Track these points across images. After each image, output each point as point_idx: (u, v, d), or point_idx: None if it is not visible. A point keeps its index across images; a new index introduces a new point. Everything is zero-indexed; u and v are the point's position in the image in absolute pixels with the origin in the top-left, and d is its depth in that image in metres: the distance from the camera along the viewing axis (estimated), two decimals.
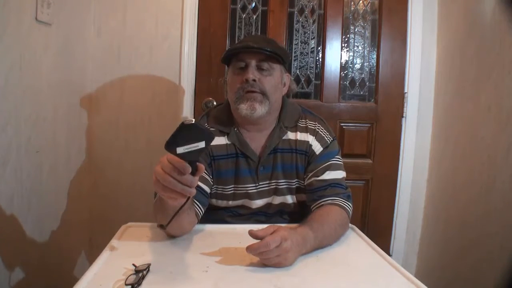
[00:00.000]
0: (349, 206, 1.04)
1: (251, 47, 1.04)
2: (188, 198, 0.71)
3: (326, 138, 1.12)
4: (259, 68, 1.06)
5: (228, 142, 1.10)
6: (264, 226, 1.04)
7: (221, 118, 1.13)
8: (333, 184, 1.05)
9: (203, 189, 1.03)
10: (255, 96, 1.04)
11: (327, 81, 1.85)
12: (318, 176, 1.07)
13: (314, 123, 1.14)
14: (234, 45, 1.15)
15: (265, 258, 0.78)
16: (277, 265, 0.79)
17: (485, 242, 1.37)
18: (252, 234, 0.79)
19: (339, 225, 0.97)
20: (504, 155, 1.32)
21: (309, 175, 1.08)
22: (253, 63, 1.05)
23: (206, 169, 1.06)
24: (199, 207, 1.00)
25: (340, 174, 1.09)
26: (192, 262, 0.81)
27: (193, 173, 0.68)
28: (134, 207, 1.78)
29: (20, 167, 1.24)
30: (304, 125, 1.13)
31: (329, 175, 1.06)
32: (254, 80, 1.04)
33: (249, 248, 0.77)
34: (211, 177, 1.08)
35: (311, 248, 0.86)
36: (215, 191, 1.11)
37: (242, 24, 1.84)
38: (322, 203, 1.03)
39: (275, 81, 1.08)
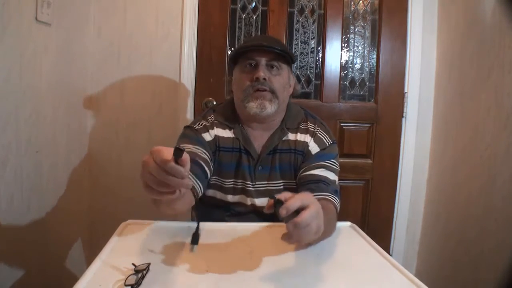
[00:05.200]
0: (337, 202, 1.03)
1: (263, 46, 1.04)
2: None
3: (324, 140, 1.12)
4: (269, 67, 1.06)
5: (234, 136, 1.11)
6: (263, 224, 1.05)
7: (226, 115, 1.14)
8: (324, 182, 1.04)
9: (202, 168, 1.01)
10: (265, 94, 1.04)
11: (327, 81, 1.85)
12: (309, 171, 1.06)
13: (314, 125, 1.14)
14: (243, 43, 1.15)
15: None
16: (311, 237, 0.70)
17: (485, 241, 1.37)
18: (287, 206, 0.67)
19: (333, 218, 0.96)
20: (504, 155, 1.32)
21: (301, 171, 1.08)
22: (263, 61, 1.06)
23: (209, 154, 1.06)
24: (198, 185, 0.98)
25: (333, 177, 1.07)
26: (192, 261, 0.81)
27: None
28: (134, 207, 1.78)
29: (20, 167, 1.24)
30: (305, 127, 1.14)
31: (321, 172, 1.06)
32: (265, 79, 1.04)
33: (293, 229, 0.67)
34: (212, 163, 1.08)
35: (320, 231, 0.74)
36: (215, 182, 1.12)
37: (242, 24, 1.84)
38: None
39: (284, 80, 1.09)
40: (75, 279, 0.71)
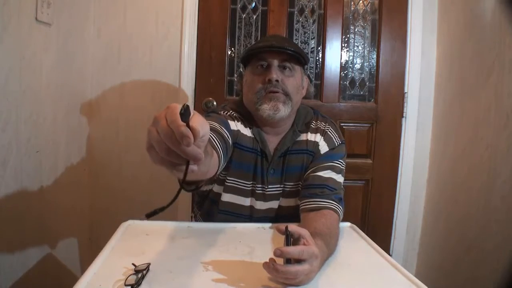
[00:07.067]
0: (341, 210, 1.02)
1: (274, 47, 1.02)
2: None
3: (334, 140, 1.11)
4: (281, 69, 1.04)
5: (253, 136, 1.08)
6: (263, 224, 1.05)
7: (244, 113, 1.10)
8: (329, 186, 1.02)
9: (226, 143, 0.93)
10: (278, 96, 1.02)
11: (327, 81, 1.85)
12: (317, 172, 1.04)
13: (325, 124, 1.13)
14: (254, 44, 1.13)
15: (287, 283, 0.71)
16: (296, 285, 0.71)
17: (485, 241, 1.37)
18: (283, 251, 0.69)
19: (338, 235, 0.95)
20: (504, 155, 1.32)
21: (309, 171, 1.06)
22: (275, 63, 1.03)
23: (231, 141, 0.99)
24: (220, 149, 0.87)
25: (339, 178, 1.06)
26: (192, 261, 0.81)
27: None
28: (134, 207, 1.78)
29: (20, 167, 1.24)
30: (315, 126, 1.12)
31: (328, 174, 1.04)
32: (277, 81, 1.01)
33: (272, 271, 0.70)
34: (230, 154, 1.01)
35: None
36: (232, 184, 1.08)
37: (242, 24, 1.84)
38: (314, 203, 0.99)
39: (297, 82, 1.07)
40: (75, 279, 0.71)
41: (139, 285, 0.69)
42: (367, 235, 1.02)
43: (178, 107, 0.49)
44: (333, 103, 1.86)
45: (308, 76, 1.55)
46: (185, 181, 0.54)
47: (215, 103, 1.80)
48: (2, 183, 1.16)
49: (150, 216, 0.59)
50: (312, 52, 1.87)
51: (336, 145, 1.11)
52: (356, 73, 1.89)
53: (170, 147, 0.48)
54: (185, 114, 0.48)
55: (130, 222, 1.02)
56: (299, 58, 1.05)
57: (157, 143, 0.50)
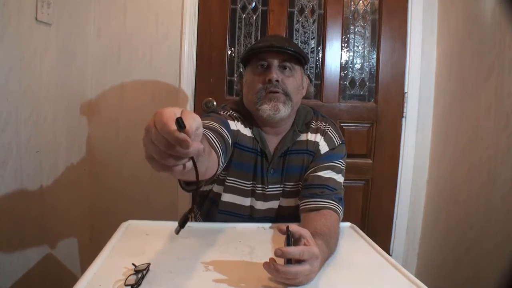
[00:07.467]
0: (341, 210, 1.02)
1: (275, 47, 1.02)
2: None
3: (334, 140, 1.11)
4: (281, 69, 1.04)
5: (253, 136, 1.08)
6: (263, 224, 1.05)
7: (244, 113, 1.10)
8: (329, 186, 1.02)
9: (226, 142, 0.92)
10: (278, 96, 1.02)
11: (327, 81, 1.85)
12: (317, 172, 1.05)
13: (325, 124, 1.13)
14: (254, 44, 1.13)
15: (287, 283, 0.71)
16: (296, 285, 0.72)
17: (485, 242, 1.38)
18: (284, 251, 0.69)
19: (338, 235, 0.95)
20: (504, 155, 1.32)
21: (309, 172, 1.07)
22: (275, 62, 1.03)
23: (231, 140, 0.99)
24: (219, 149, 0.86)
25: (339, 178, 1.06)
26: (192, 261, 0.81)
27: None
28: (134, 207, 1.78)
29: (20, 167, 1.24)
30: (315, 126, 1.12)
31: (328, 174, 1.04)
32: (277, 81, 1.01)
33: (272, 271, 0.70)
34: (230, 154, 1.00)
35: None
36: (232, 184, 1.08)
37: (242, 24, 1.84)
38: (313, 203, 0.99)
39: (297, 82, 1.07)
40: (75, 279, 0.71)
41: (139, 285, 0.69)
42: (367, 235, 1.02)
43: (167, 111, 0.48)
44: (333, 103, 1.86)
45: (308, 76, 1.55)
46: (198, 177, 0.55)
47: (215, 103, 1.80)
48: (2, 183, 1.16)
49: (184, 225, 0.62)
50: (312, 52, 1.87)
51: (336, 145, 1.11)
52: (356, 73, 1.89)
53: (170, 153, 0.49)
54: (180, 126, 0.48)
55: (130, 222, 1.02)
56: (299, 58, 1.05)
57: (156, 153, 0.50)
